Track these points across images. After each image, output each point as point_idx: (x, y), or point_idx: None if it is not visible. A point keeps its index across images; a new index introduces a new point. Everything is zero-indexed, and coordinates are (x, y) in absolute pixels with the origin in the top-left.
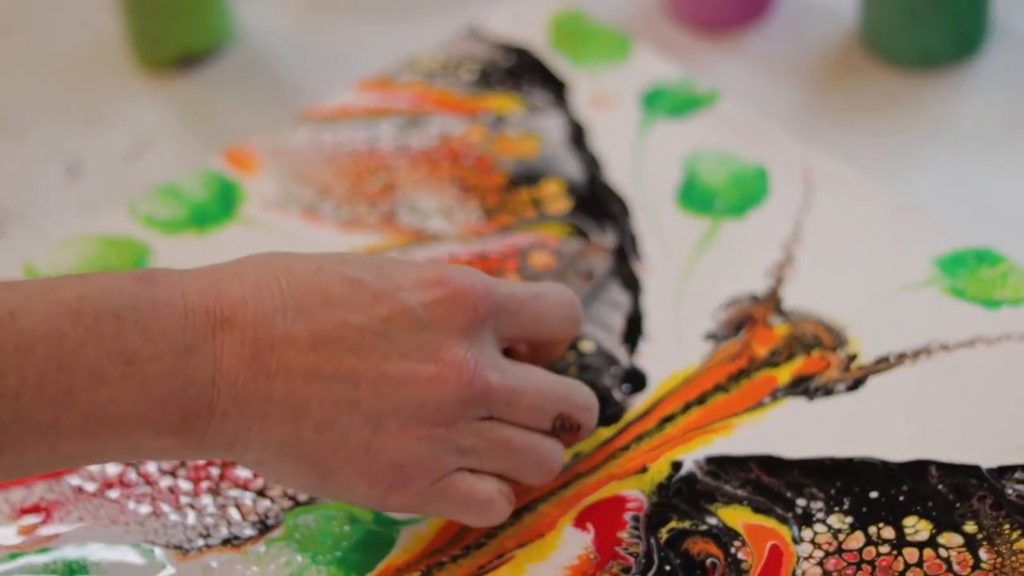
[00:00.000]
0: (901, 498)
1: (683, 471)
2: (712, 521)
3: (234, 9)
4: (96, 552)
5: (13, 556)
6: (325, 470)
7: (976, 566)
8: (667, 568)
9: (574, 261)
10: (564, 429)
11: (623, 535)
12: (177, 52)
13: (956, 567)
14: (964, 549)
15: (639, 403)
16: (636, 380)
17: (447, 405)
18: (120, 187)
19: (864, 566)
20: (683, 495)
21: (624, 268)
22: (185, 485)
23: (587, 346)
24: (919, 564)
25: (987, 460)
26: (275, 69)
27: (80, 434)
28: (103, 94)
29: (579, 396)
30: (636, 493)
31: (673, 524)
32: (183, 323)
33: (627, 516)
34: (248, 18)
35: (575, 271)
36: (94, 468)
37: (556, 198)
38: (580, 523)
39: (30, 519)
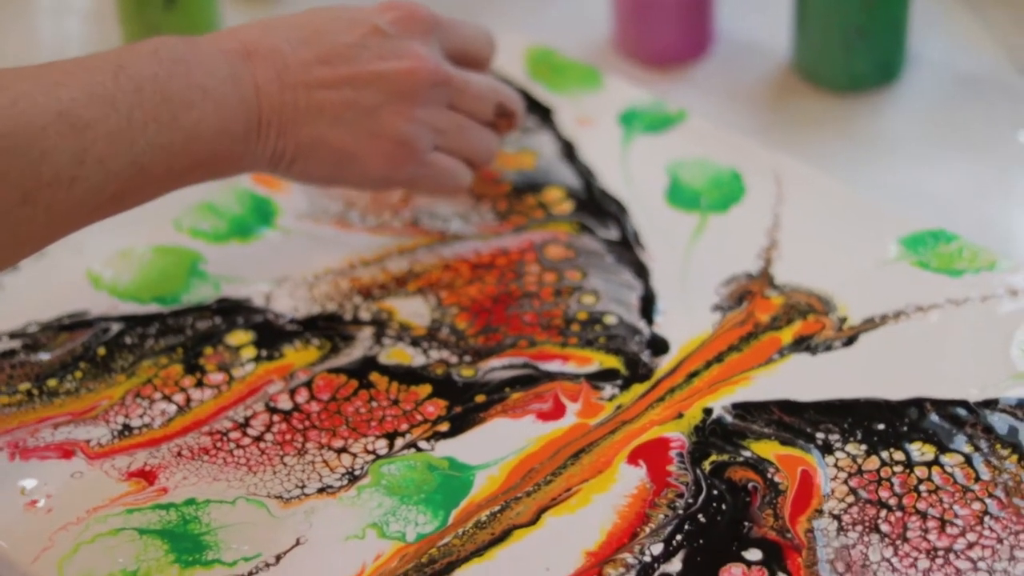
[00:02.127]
0: (904, 428)
1: (714, 415)
2: (747, 454)
3: None
4: (204, 503)
5: (129, 511)
6: (344, 157)
7: (977, 478)
8: (715, 493)
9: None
10: (502, 115)
11: (672, 468)
12: None
13: (961, 479)
14: (966, 464)
15: (665, 363)
16: (658, 345)
17: (422, 90)
18: (151, 208)
19: (883, 482)
20: (718, 434)
21: (631, 256)
22: (273, 449)
23: (611, 320)
24: (929, 478)
25: (971, 396)
26: None
27: (184, 152)
28: None
29: (510, 90)
30: (677, 435)
31: (714, 457)
32: (225, 59)
33: (672, 453)
34: None
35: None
36: (188, 438)
37: (559, 202)
38: (633, 460)
39: (138, 481)
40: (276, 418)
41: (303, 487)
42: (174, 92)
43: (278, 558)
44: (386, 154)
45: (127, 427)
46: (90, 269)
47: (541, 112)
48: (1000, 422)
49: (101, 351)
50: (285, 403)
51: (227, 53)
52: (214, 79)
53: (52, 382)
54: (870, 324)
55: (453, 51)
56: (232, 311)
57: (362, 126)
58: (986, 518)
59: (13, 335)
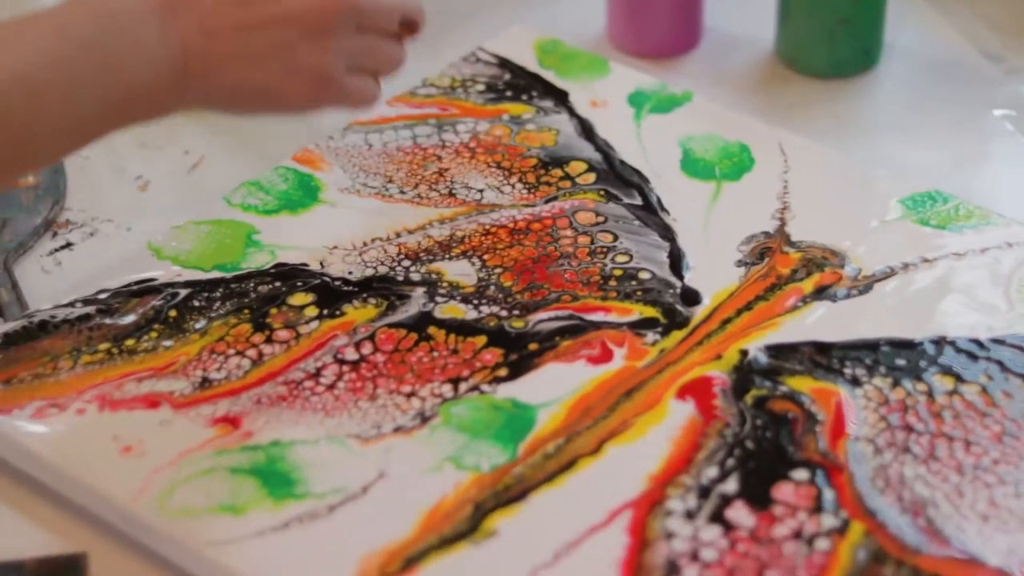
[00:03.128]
0: (923, 363)
1: (750, 356)
2: (784, 388)
3: None
4: (289, 443)
5: (219, 453)
6: (266, 95)
7: (995, 404)
8: (758, 422)
9: None
10: (405, 26)
11: (717, 403)
12: None
13: (981, 405)
14: (983, 392)
15: (700, 312)
16: (691, 297)
17: (335, 22)
18: (202, 188)
19: (910, 409)
20: (755, 372)
21: (657, 220)
22: (346, 395)
23: (645, 275)
24: (952, 405)
25: (981, 334)
26: None
27: (121, 109)
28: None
29: (410, 0)
30: (718, 373)
31: (754, 392)
32: (151, 12)
33: (716, 389)
34: None
35: None
36: (267, 387)
37: (583, 173)
38: (681, 396)
39: (224, 426)
40: (345, 368)
41: (379, 427)
42: (113, 50)
43: (364, 489)
44: (306, 88)
45: (206, 379)
46: (151, 241)
47: (557, 95)
48: (1010, 355)
49: (172, 313)
50: (352, 355)
51: (150, 5)
52: (142, 33)
53: (130, 342)
54: (884, 275)
55: None
56: (290, 276)
57: (281, 65)
58: (1006, 438)
59: (86, 301)
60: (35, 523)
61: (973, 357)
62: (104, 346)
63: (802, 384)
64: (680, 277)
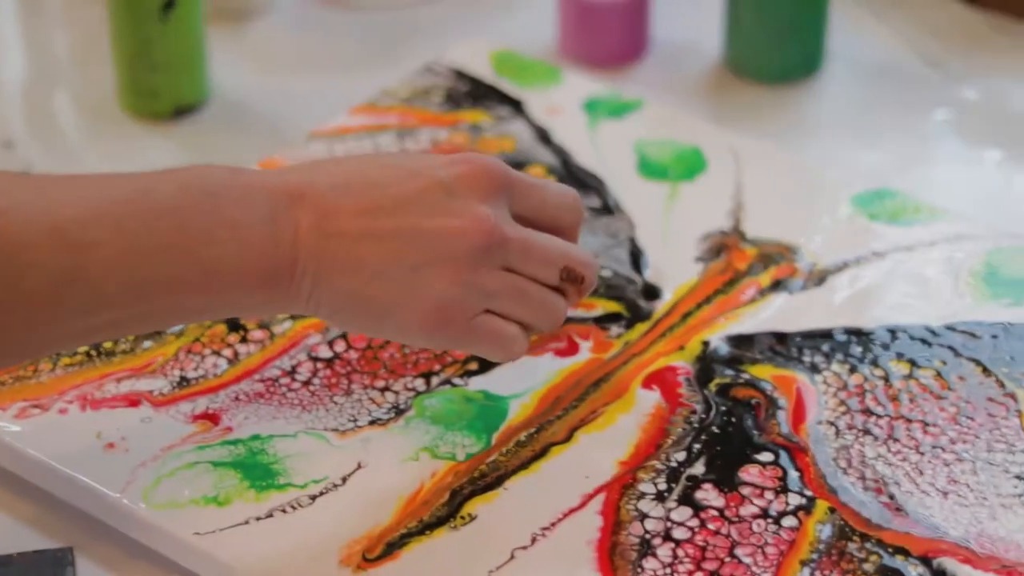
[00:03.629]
0: (879, 350)
1: (712, 346)
2: (746, 376)
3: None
4: (268, 437)
5: (200, 447)
6: (382, 314)
7: (949, 387)
8: (723, 408)
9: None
10: (569, 280)
11: (682, 391)
12: (172, 105)
13: (936, 388)
14: (938, 376)
15: (661, 306)
16: (652, 292)
17: (473, 252)
18: None
19: (868, 393)
20: (717, 361)
21: (616, 221)
22: (322, 391)
23: (607, 272)
24: (908, 389)
25: (933, 322)
26: (249, 115)
27: (197, 288)
28: (111, 141)
29: (581, 253)
30: (682, 363)
31: (718, 380)
32: (268, 199)
33: (680, 378)
34: (218, 78)
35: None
36: (244, 384)
37: (542, 177)
38: (647, 385)
39: (204, 422)
40: (320, 365)
41: (355, 420)
42: (195, 224)
43: (344, 479)
44: (425, 315)
45: (184, 378)
46: None
47: (513, 104)
48: (961, 341)
49: None
50: (325, 352)
51: (272, 191)
52: (248, 216)
53: (107, 344)
54: (837, 268)
55: (528, 213)
56: None
57: (403, 283)
58: (962, 418)
59: None
60: (21, 521)
61: (926, 344)
62: (82, 349)
63: (763, 372)
64: (641, 273)
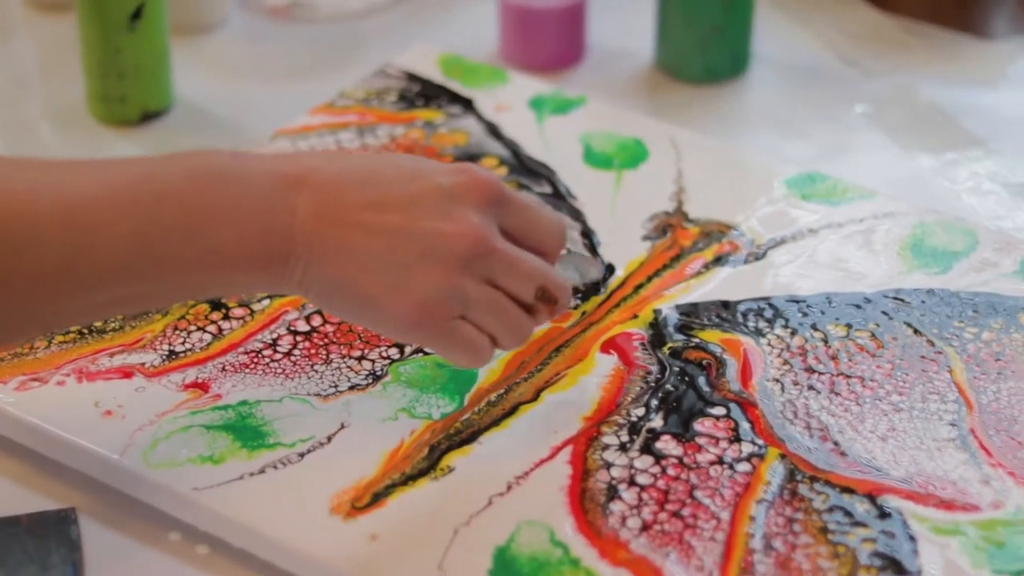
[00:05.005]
0: (818, 315)
1: (663, 314)
2: (696, 340)
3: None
4: (256, 402)
5: (193, 413)
6: (367, 303)
7: (884, 346)
8: (676, 368)
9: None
10: (544, 299)
11: (637, 354)
12: (139, 111)
13: (872, 347)
14: (873, 338)
15: (614, 280)
16: (606, 267)
17: (463, 258)
18: None
19: (809, 353)
20: (669, 327)
21: (567, 205)
22: (303, 361)
23: (563, 251)
24: (846, 349)
25: (866, 290)
26: (212, 119)
27: (198, 269)
28: (81, 146)
29: (558, 276)
30: (636, 329)
31: (670, 344)
32: (271, 182)
33: (635, 343)
34: (180, 87)
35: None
36: (230, 356)
37: (495, 167)
38: (605, 350)
39: (195, 391)
40: (299, 338)
41: (336, 386)
42: (197, 208)
43: (329, 438)
44: (409, 310)
45: (173, 352)
46: None
47: (463, 102)
48: (892, 306)
49: None
50: (303, 326)
51: (276, 176)
52: (250, 198)
53: (98, 324)
54: (774, 243)
55: (515, 231)
56: None
57: (392, 277)
58: (897, 372)
59: None
60: (25, 486)
61: (860, 308)
62: (74, 328)
63: (712, 336)
64: (594, 252)
